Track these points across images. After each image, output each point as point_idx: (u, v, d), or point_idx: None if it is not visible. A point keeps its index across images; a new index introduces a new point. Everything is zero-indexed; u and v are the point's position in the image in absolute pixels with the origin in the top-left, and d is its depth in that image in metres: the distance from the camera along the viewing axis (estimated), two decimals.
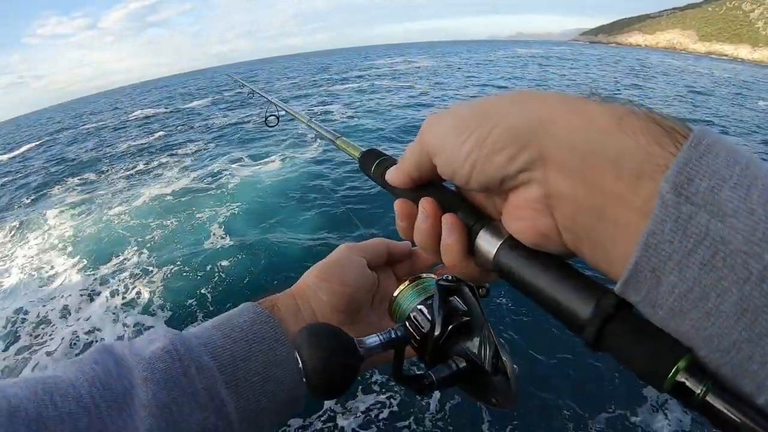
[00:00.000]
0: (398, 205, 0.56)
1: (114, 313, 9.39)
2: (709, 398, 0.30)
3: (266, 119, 2.25)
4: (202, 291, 9.65)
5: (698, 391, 0.30)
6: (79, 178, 22.48)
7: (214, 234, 12.33)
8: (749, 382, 0.28)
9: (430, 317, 0.65)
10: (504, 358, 0.55)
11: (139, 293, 10.00)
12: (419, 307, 0.68)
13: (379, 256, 0.89)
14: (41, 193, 21.24)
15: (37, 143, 43.52)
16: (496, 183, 0.41)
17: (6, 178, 27.67)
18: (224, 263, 10.54)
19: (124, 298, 9.94)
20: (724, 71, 65.90)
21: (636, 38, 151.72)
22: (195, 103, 47.66)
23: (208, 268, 10.51)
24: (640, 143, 0.31)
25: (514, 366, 0.56)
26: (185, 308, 9.12)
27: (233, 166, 18.66)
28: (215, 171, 18.19)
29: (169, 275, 10.58)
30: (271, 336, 0.72)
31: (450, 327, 0.61)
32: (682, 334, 0.30)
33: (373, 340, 0.60)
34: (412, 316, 0.68)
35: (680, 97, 32.60)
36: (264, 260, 10.39)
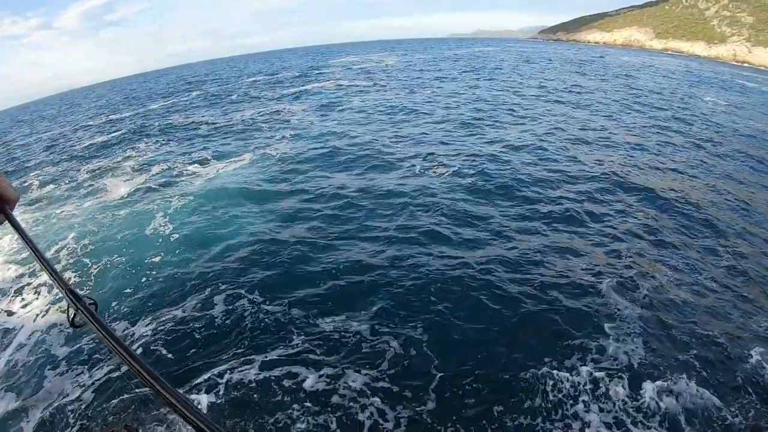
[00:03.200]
0: None
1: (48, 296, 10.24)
2: None
3: None
4: (142, 277, 10.39)
5: None
6: (34, 176, 22.73)
7: (158, 225, 13.15)
8: None
9: None
10: None
11: (78, 279, 10.80)
12: None
13: None
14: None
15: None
16: None
17: None
18: (166, 253, 11.33)
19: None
20: (678, 65, 69.40)
21: (594, 36, 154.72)
22: (154, 106, 47.12)
23: (151, 256, 11.31)
24: None
25: None
26: (123, 294, 9.80)
27: (183, 165, 19.46)
28: (165, 169, 19.05)
29: (109, 263, 11.33)
30: None
31: None
32: None
33: None
34: None
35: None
36: (204, 251, 11.13)
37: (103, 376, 7.74)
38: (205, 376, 7.18)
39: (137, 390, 7.20)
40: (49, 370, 8.18)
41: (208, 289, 9.46)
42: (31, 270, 11.75)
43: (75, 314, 0.71)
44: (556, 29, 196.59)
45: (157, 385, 0.95)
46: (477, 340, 7.55)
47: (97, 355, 8.28)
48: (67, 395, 7.47)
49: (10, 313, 10.16)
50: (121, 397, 7.13)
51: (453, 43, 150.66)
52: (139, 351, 8.09)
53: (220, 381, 7.04)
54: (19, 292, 10.95)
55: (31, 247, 1.07)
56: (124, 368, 7.44)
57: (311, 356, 7.35)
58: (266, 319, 8.38)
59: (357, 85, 39.25)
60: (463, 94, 32.42)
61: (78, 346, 8.59)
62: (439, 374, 6.85)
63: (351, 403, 6.41)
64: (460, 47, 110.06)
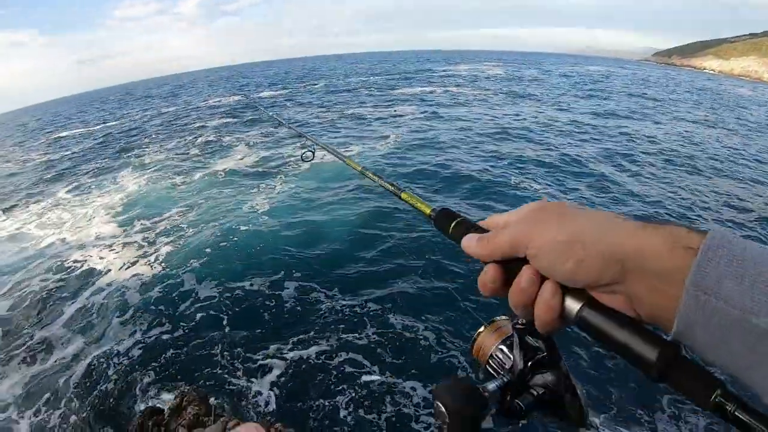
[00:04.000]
0: (493, 269, 0.69)
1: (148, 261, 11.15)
2: (738, 413, 0.47)
3: (302, 155, 2.30)
4: (226, 248, 11.13)
5: (730, 408, 0.47)
6: (147, 148, 25.43)
7: (255, 205, 13.86)
8: (760, 394, 0.47)
9: (511, 356, 0.80)
10: (577, 386, 0.73)
11: (172, 252, 11.57)
12: (500, 347, 0.83)
13: None
14: (118, 158, 24.27)
15: (113, 118, 47.13)
16: (586, 287, 0.61)
17: (85, 146, 30.97)
18: (255, 232, 11.90)
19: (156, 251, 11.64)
20: None
21: (710, 63, 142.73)
22: (266, 93, 49.95)
23: (241, 231, 11.99)
24: (678, 258, 0.51)
25: (584, 391, 0.73)
26: (216, 269, 10.25)
27: (290, 151, 20.06)
28: (272, 154, 19.94)
29: (202, 231, 12.28)
30: None
31: (529, 362, 0.77)
32: (716, 361, 0.50)
33: (494, 384, 0.77)
34: (494, 355, 0.83)
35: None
36: (301, 238, 11.35)
37: (166, 333, 8.31)
38: (266, 352, 7.54)
39: (199, 352, 7.70)
40: (116, 317, 8.95)
41: (283, 272, 9.78)
42: (127, 229, 13.20)
43: None
44: (670, 52, 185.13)
45: None
46: None
47: (162, 311, 8.90)
48: (124, 346, 8.11)
49: (101, 259, 11.51)
50: (175, 360, 7.64)
51: (561, 59, 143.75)
52: (199, 315, 8.66)
53: (279, 360, 7.34)
54: (113, 244, 12.38)
55: None
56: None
57: (377, 352, 7.34)
58: (339, 309, 8.49)
59: (463, 94, 38.17)
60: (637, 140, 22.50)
61: (149, 299, 9.38)
62: None
63: (405, 409, 6.33)
64: (567, 64, 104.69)
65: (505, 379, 0.77)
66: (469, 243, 0.74)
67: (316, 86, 52.87)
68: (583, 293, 0.61)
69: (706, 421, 5.97)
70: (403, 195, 1.00)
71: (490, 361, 0.82)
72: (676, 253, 0.52)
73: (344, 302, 8.65)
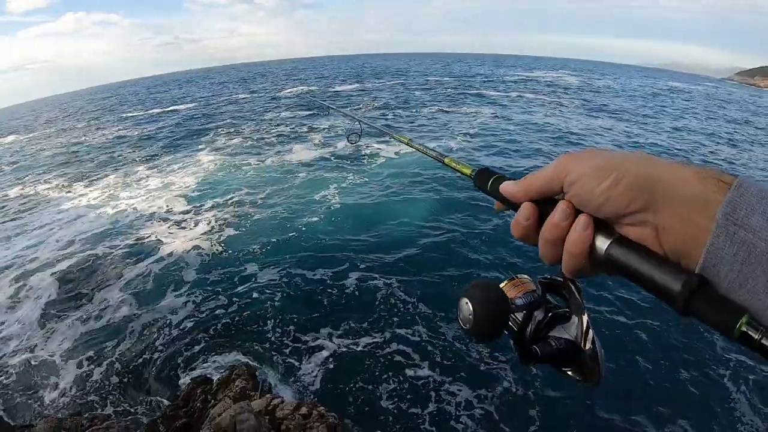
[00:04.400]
0: (527, 207, 0.70)
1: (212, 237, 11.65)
2: (765, 341, 0.46)
3: (348, 137, 2.30)
4: (294, 234, 11.36)
5: (757, 336, 0.46)
6: (222, 131, 26.60)
7: (327, 194, 14.01)
8: None
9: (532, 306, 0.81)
10: (596, 342, 0.71)
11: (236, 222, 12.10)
12: (521, 298, 0.82)
13: None
14: (194, 138, 25.66)
15: (192, 100, 49.61)
16: (617, 216, 0.60)
17: (164, 124, 33.04)
18: (323, 220, 12.08)
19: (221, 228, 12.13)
20: None
21: None
22: (341, 88, 50.44)
23: (310, 218, 12.20)
24: (710, 190, 0.52)
25: (602, 350, 0.71)
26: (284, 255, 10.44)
27: (364, 143, 20.13)
28: (346, 146, 19.67)
29: (270, 215, 12.67)
30: None
31: (550, 314, 0.77)
32: (740, 301, 0.50)
33: (522, 299, 0.78)
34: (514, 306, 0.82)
35: None
36: (366, 231, 11.37)
37: (221, 308, 8.60)
38: (317, 335, 7.69)
39: (253, 329, 7.95)
40: (172, 289, 9.41)
41: (346, 262, 9.86)
42: (197, 206, 13.84)
43: None
44: (753, 72, 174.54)
45: None
46: None
47: (219, 288, 9.20)
48: (177, 317, 8.50)
49: (168, 232, 12.13)
50: (228, 335, 7.93)
51: (644, 72, 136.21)
52: (256, 294, 8.94)
53: (330, 344, 7.46)
54: (182, 220, 13.01)
55: None
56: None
57: (427, 350, 7.28)
58: (395, 303, 8.50)
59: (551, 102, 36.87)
60: None
61: (208, 275, 9.74)
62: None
63: (447, 407, 6.27)
64: (652, 78, 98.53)
65: (533, 298, 0.78)
66: (507, 186, 0.75)
67: (391, 83, 53.21)
68: (611, 231, 0.62)
69: None
70: (446, 160, 1.03)
71: (510, 324, 0.81)
72: (708, 183, 0.54)
73: (402, 297, 8.61)
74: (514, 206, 0.74)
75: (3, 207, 16.92)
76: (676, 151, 21.54)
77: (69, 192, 17.67)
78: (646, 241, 0.59)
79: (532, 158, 17.13)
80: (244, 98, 46.35)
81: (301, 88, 50.87)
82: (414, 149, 1.27)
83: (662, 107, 39.30)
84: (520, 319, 0.78)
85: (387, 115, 28.32)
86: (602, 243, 0.61)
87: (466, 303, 0.73)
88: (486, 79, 57.42)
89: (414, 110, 30.24)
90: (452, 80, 55.77)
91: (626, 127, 26.31)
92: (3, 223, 15.01)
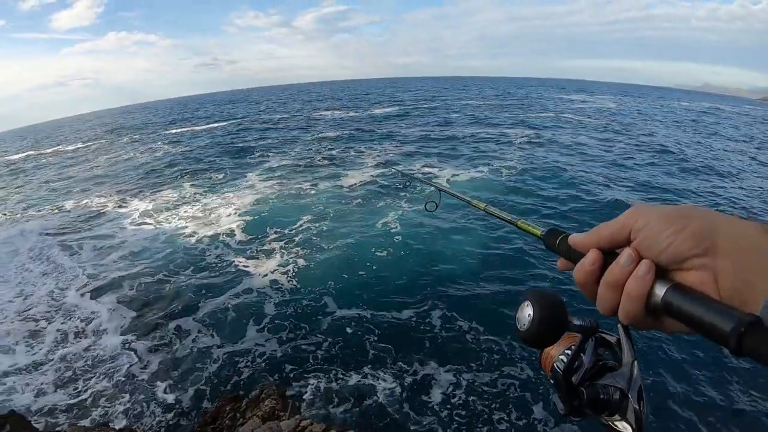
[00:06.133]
0: (593, 253, 0.72)
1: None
2: None
3: (425, 206, 2.32)
4: (361, 269, 10.87)
5: None
6: (270, 153, 26.89)
7: (387, 222, 13.73)
8: None
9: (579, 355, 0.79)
10: (642, 392, 0.70)
11: (300, 262, 11.64)
12: (567, 352, 0.82)
13: None
14: (241, 159, 25.82)
15: (231, 118, 50.86)
16: (679, 261, 0.62)
17: (206, 144, 33.74)
18: (389, 253, 11.68)
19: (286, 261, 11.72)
20: None
21: None
22: (378, 111, 51.11)
23: (375, 251, 11.82)
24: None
25: (647, 405, 0.70)
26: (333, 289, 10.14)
27: (413, 166, 20.09)
28: (396, 172, 19.31)
29: (335, 248, 12.19)
30: None
31: (599, 362, 0.77)
32: None
33: (578, 321, 0.74)
34: (561, 359, 0.82)
35: None
36: (426, 266, 10.91)
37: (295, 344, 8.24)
38: (361, 373, 7.34)
39: (291, 356, 7.79)
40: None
41: (427, 301, 9.39)
42: (257, 235, 13.53)
43: None
44: None
45: None
46: None
47: (298, 327, 8.83)
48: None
49: (245, 267, 11.54)
50: (265, 357, 7.82)
51: (681, 95, 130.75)
52: (333, 333, 8.49)
53: (374, 381, 7.18)
54: (244, 249, 12.71)
55: None
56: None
57: (469, 400, 6.80)
58: (449, 344, 8.09)
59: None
60: None
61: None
62: None
63: None
64: (684, 99, 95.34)
65: (587, 324, 0.75)
66: (575, 237, 0.79)
67: (428, 105, 53.59)
68: (669, 279, 0.63)
69: None
70: (519, 223, 1.08)
71: (556, 365, 0.81)
72: (766, 234, 0.57)
73: (454, 329, 8.35)
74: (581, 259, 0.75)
75: (59, 222, 17.27)
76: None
77: (121, 208, 17.90)
78: (703, 287, 0.60)
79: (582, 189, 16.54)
80: (283, 118, 47.64)
81: (345, 113, 51.11)
82: (490, 214, 1.32)
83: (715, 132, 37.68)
84: (566, 361, 0.78)
85: (422, 140, 28.07)
86: (660, 290, 0.63)
87: (528, 305, 0.72)
88: (519, 103, 57.13)
89: (455, 131, 30.20)
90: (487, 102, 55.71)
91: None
92: (61, 235, 15.38)
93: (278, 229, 13.75)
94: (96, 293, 10.71)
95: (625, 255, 0.67)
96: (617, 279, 0.67)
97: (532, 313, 0.71)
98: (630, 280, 0.66)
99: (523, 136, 28.08)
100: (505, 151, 23.54)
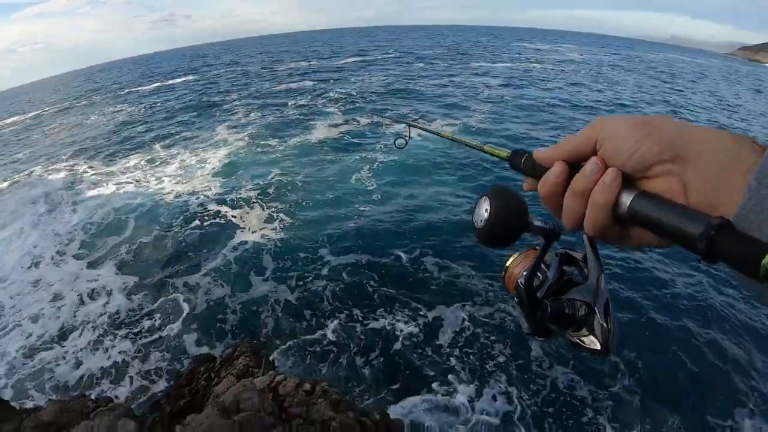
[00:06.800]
0: (558, 166, 0.70)
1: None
2: None
3: (395, 142, 2.22)
4: (337, 222, 10.93)
5: None
6: (237, 104, 26.36)
7: (362, 178, 13.57)
8: None
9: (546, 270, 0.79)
10: (610, 305, 0.69)
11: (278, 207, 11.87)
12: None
13: None
14: (209, 115, 25.04)
15: (195, 74, 49.42)
16: (645, 167, 0.61)
17: (173, 100, 32.46)
18: (366, 207, 11.67)
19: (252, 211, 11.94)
20: None
21: None
22: (342, 61, 49.68)
23: (352, 204, 11.83)
24: (745, 150, 0.54)
25: (615, 316, 0.69)
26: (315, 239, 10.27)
27: (383, 120, 19.64)
28: (370, 123, 19.33)
29: (310, 203, 12.19)
30: None
31: (564, 277, 0.77)
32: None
33: (539, 222, 0.73)
34: (524, 275, 0.80)
35: None
36: (403, 212, 11.11)
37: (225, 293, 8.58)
38: (324, 319, 7.64)
39: (258, 310, 7.89)
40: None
41: (379, 247, 9.63)
42: (230, 191, 13.36)
43: None
44: (758, 48, 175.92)
45: None
46: None
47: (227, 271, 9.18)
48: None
49: (241, 228, 11.37)
50: (233, 314, 7.94)
51: (659, 49, 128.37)
52: (297, 283, 8.73)
53: (339, 328, 7.44)
54: (222, 200, 12.79)
55: None
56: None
57: (432, 342, 7.29)
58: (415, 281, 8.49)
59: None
60: None
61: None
62: None
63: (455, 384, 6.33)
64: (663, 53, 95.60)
65: (549, 226, 0.74)
66: (539, 151, 0.76)
67: (391, 55, 52.64)
68: (636, 187, 0.61)
69: None
70: (485, 148, 1.05)
71: (519, 281, 0.79)
72: (743, 143, 0.55)
73: (424, 274, 8.62)
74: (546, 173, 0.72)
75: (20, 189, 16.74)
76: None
77: (95, 175, 17.23)
78: (671, 195, 0.59)
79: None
80: (250, 71, 46.25)
81: (310, 63, 49.85)
82: (458, 142, 1.29)
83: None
84: (529, 269, 0.77)
85: (395, 88, 27.80)
86: (626, 198, 0.61)
87: (485, 200, 0.70)
88: (485, 52, 57.20)
89: (422, 82, 29.93)
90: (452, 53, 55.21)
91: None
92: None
93: (247, 184, 13.73)
94: (89, 259, 10.71)
95: (591, 164, 0.66)
96: (583, 188, 0.67)
97: (489, 208, 0.68)
98: (596, 188, 0.65)
99: (494, 85, 28.27)
100: (475, 101, 23.52)
